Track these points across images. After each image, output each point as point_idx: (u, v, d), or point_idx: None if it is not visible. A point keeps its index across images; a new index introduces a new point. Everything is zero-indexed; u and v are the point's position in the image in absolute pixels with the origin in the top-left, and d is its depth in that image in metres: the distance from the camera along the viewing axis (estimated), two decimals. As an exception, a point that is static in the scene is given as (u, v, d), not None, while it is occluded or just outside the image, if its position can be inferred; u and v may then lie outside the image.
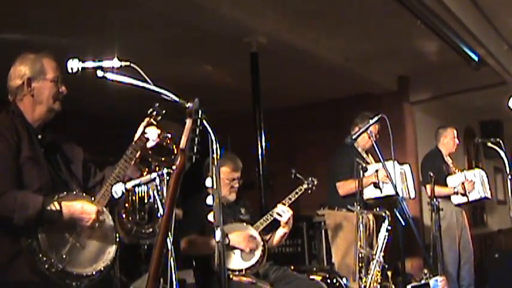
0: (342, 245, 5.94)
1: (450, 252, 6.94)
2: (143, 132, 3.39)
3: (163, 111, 3.52)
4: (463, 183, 6.85)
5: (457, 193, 6.88)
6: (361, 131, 5.13)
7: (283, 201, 4.84)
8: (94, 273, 2.99)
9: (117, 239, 3.22)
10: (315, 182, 5.17)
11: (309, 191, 5.14)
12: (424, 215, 8.69)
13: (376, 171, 5.83)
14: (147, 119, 3.45)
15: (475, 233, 7.38)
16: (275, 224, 4.79)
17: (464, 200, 6.89)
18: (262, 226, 4.73)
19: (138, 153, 3.36)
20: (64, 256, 2.90)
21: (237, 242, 4.48)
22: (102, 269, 3.04)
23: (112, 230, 3.21)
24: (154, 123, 3.46)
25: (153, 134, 3.39)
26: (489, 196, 6.98)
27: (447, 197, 6.92)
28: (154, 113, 3.53)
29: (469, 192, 6.83)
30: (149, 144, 3.40)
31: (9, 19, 5.59)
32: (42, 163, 3.08)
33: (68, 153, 3.36)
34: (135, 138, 3.39)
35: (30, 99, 3.14)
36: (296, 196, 4.98)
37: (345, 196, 5.96)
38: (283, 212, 4.70)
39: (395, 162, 5.55)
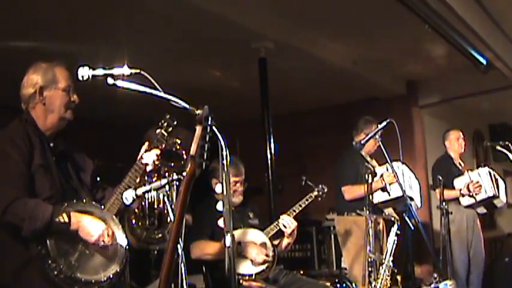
0: (353, 249, 5.93)
1: (460, 256, 6.92)
2: (141, 158, 3.42)
3: (174, 123, 3.56)
4: (467, 185, 6.83)
5: (463, 195, 6.86)
6: (369, 136, 5.14)
7: (293, 208, 4.87)
8: (103, 280, 3.00)
9: (127, 248, 3.23)
10: (325, 190, 5.20)
11: (319, 198, 5.16)
12: (434, 219, 8.67)
13: (381, 175, 5.83)
14: (146, 144, 3.48)
15: (485, 236, 7.34)
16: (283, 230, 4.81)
17: (472, 201, 6.86)
18: (272, 232, 4.75)
19: (140, 173, 3.39)
20: (73, 263, 2.91)
21: (249, 253, 4.50)
22: (112, 275, 3.04)
23: (121, 235, 3.23)
24: (155, 147, 3.49)
25: (149, 159, 3.41)
26: (492, 194, 6.84)
27: (457, 200, 6.91)
28: (166, 124, 3.56)
29: (476, 194, 6.80)
30: (148, 169, 3.43)
31: (21, 27, 5.63)
32: (53, 171, 3.10)
33: (78, 161, 3.39)
34: (138, 158, 3.42)
35: (42, 107, 3.17)
36: (306, 203, 5.01)
37: (351, 200, 5.96)
38: (287, 223, 4.73)
39: (403, 164, 5.55)
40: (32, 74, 3.18)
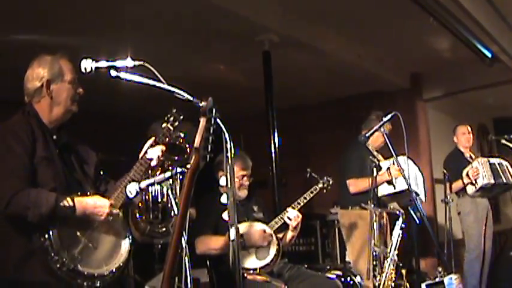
0: (357, 243, 5.92)
1: (475, 248, 6.99)
2: (145, 153, 3.40)
3: (181, 117, 3.53)
4: (467, 172, 6.89)
5: (465, 183, 6.92)
6: (374, 129, 5.11)
7: (298, 201, 4.86)
8: (106, 273, 3.00)
9: (130, 238, 3.23)
10: (330, 182, 5.19)
11: (324, 190, 5.15)
12: (438, 213, 8.66)
13: (388, 168, 5.81)
14: (152, 139, 3.46)
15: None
16: (287, 224, 4.80)
17: (473, 188, 6.92)
18: (277, 226, 4.74)
19: (144, 169, 3.36)
20: (76, 256, 2.91)
21: (252, 241, 4.49)
22: (115, 269, 3.04)
23: (125, 229, 3.22)
24: (160, 142, 3.47)
25: (154, 154, 3.39)
26: (492, 182, 6.83)
27: (465, 190, 6.99)
28: (172, 118, 3.55)
29: (475, 180, 6.85)
30: (152, 164, 3.41)
31: (22, 20, 5.62)
32: (56, 163, 3.09)
33: (82, 154, 3.38)
34: (141, 155, 3.40)
35: (48, 100, 3.15)
36: (311, 195, 5.00)
37: (356, 194, 5.94)
38: (293, 217, 4.72)
39: (408, 159, 5.53)
40: (38, 67, 3.15)
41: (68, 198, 2.92)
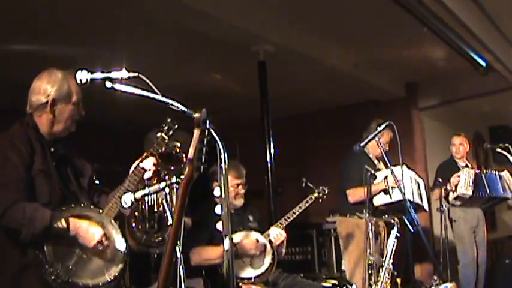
0: (354, 252, 5.91)
1: (467, 255, 7.06)
2: (138, 165, 3.39)
3: (176, 126, 3.54)
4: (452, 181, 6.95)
5: (448, 190, 6.97)
6: (368, 138, 5.13)
7: (283, 219, 4.86)
8: (101, 284, 2.99)
9: (126, 252, 3.22)
10: (326, 191, 5.19)
11: (320, 200, 5.15)
12: (434, 221, 8.66)
13: (385, 177, 5.81)
14: (145, 154, 3.45)
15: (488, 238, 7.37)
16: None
17: (453, 195, 6.98)
18: (268, 238, 4.74)
19: (138, 179, 3.35)
20: (70, 267, 2.90)
21: (245, 249, 4.49)
22: (110, 280, 3.03)
23: (120, 245, 3.21)
24: (150, 156, 3.46)
25: (148, 164, 3.39)
26: (469, 193, 6.84)
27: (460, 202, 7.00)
28: (167, 127, 3.55)
29: (455, 187, 6.89)
30: (146, 175, 3.40)
31: (20, 31, 5.63)
32: (53, 176, 3.08)
33: (78, 166, 3.37)
34: (134, 165, 3.40)
35: (49, 117, 3.14)
36: (306, 205, 5.00)
37: (355, 203, 5.94)
38: (275, 237, 4.73)
39: (405, 166, 5.54)
40: (47, 82, 3.13)
41: (63, 220, 2.91)
